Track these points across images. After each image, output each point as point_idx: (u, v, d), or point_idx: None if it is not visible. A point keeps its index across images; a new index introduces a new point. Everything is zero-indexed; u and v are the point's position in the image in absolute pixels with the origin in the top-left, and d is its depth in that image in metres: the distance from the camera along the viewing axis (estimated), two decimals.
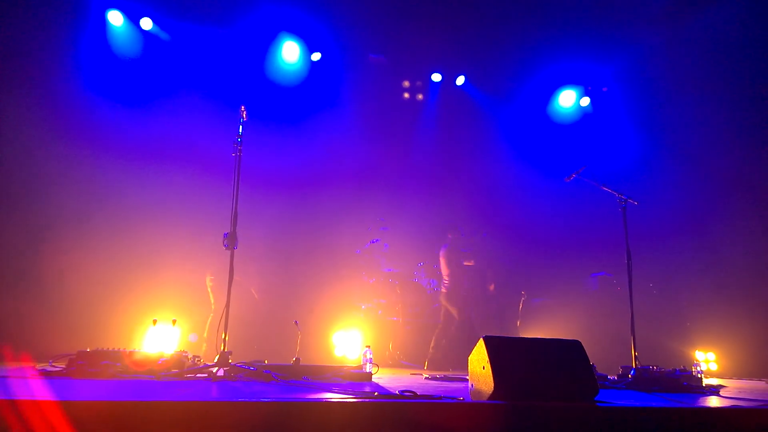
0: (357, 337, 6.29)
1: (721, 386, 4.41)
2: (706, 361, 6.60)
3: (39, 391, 2.41)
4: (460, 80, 8.91)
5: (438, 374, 4.96)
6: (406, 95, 9.10)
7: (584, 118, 9.20)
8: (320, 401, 2.24)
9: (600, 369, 4.41)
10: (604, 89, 8.96)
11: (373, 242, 7.79)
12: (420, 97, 9.17)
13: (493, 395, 2.44)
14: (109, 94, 6.99)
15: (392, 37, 8.21)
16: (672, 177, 8.35)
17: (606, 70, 8.56)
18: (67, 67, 6.81)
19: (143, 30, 7.27)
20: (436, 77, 8.89)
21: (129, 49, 7.25)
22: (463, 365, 6.23)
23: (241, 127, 4.20)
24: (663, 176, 8.40)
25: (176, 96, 7.32)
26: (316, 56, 8.12)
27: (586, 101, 9.05)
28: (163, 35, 7.41)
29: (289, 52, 7.98)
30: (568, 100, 9.04)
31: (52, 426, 1.92)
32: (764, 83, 7.75)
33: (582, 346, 2.73)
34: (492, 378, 2.45)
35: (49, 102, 6.63)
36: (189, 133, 7.07)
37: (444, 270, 7.05)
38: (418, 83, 9.09)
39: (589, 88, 9.00)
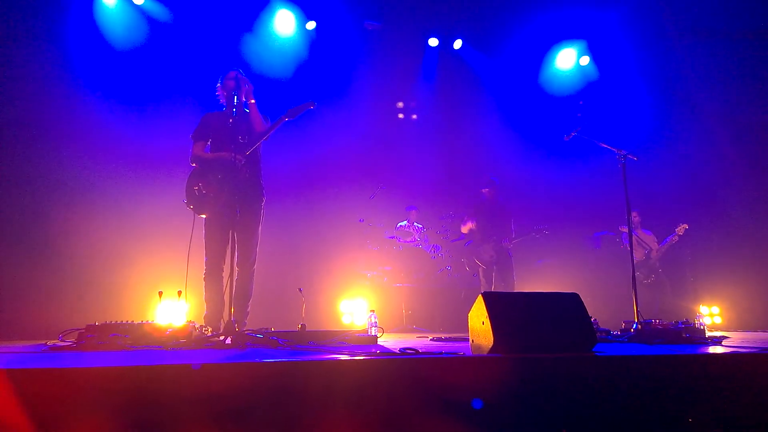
0: (363, 304, 6.36)
1: (724, 337, 4.46)
2: (711, 314, 6.64)
3: (50, 362, 2.47)
4: (458, 44, 8.76)
5: (443, 335, 5.04)
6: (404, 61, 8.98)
7: (587, 76, 9.02)
8: (323, 360, 2.29)
9: (604, 325, 4.47)
10: None
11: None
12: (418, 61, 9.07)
13: (493, 349, 2.49)
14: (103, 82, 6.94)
15: (387, 2, 8.06)
16: (673, 130, 8.25)
17: (611, 16, 7.99)
18: (54, 54, 6.71)
19: (133, 7, 7.17)
20: (433, 42, 8.75)
21: (118, 32, 7.14)
22: None
23: (235, 97, 4.16)
24: (662, 129, 8.28)
25: (171, 77, 7.25)
26: (310, 25, 8.02)
27: (586, 60, 8.88)
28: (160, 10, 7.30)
29: (284, 22, 7.88)
30: (569, 58, 8.87)
31: (61, 395, 1.98)
32: None
33: (580, 298, 2.76)
34: (491, 332, 2.50)
35: (49, 94, 6.62)
36: (186, 109, 7.04)
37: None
38: (415, 50, 8.96)
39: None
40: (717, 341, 4.07)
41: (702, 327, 4.28)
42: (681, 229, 7.63)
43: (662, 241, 7.80)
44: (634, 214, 7.66)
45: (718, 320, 6.83)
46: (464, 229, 7.36)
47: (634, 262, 4.69)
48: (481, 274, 6.91)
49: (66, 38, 6.75)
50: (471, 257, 7.20)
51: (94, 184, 6.55)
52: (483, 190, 6.91)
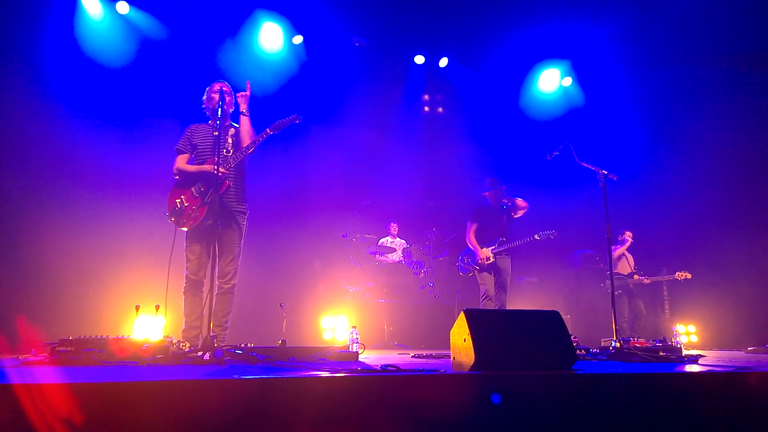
0: (345, 320, 6.31)
1: (700, 355, 4.52)
2: (687, 333, 6.74)
3: (18, 377, 2.40)
4: (443, 62, 8.87)
5: (424, 352, 5.02)
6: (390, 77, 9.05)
7: (571, 96, 9.17)
8: (302, 377, 2.26)
9: (584, 343, 4.51)
10: None
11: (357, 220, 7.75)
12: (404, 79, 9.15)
13: (474, 366, 2.49)
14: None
15: (374, 17, 8.12)
16: (655, 154, 8.38)
17: (599, 33, 7.82)
18: (34, 68, 6.61)
19: (118, 19, 7.14)
20: (419, 59, 8.85)
21: (101, 46, 7.08)
22: None
23: (220, 110, 4.15)
24: (647, 152, 8.41)
25: (153, 92, 7.20)
26: (297, 39, 8.06)
27: (568, 81, 9.04)
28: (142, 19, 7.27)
29: (270, 36, 7.90)
30: (553, 78, 9.02)
31: (29, 412, 1.92)
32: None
33: (560, 316, 2.78)
34: (473, 349, 2.50)
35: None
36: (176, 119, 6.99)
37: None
38: (402, 66, 9.04)
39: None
40: (693, 360, 4.12)
41: (679, 345, 4.36)
42: (682, 275, 7.31)
43: (652, 275, 7.71)
44: (628, 233, 7.71)
45: (694, 339, 6.93)
46: (468, 239, 6.91)
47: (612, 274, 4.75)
48: (478, 278, 6.72)
49: (44, 49, 6.68)
50: (469, 261, 6.92)
51: (70, 196, 6.44)
52: (485, 194, 6.81)
